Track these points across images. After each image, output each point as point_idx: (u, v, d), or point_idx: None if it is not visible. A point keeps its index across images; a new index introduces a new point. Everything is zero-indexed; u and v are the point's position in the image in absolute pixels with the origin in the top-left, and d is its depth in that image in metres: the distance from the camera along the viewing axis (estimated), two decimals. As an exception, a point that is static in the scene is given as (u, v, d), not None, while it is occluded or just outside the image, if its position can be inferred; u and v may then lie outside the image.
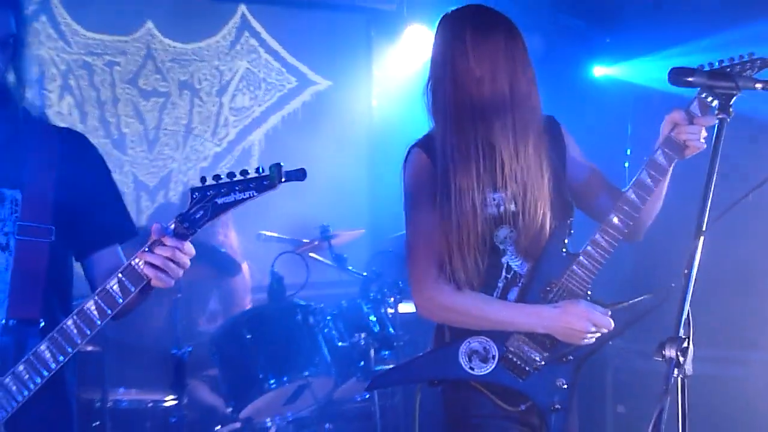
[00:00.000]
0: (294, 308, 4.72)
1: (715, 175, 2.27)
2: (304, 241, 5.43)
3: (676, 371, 2.12)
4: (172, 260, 2.35)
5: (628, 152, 6.14)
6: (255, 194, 2.34)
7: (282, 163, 2.37)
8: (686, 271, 2.19)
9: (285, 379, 4.52)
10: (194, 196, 2.34)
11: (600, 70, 6.46)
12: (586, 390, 5.71)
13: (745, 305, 5.00)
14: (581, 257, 2.85)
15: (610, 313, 2.82)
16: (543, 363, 2.84)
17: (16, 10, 2.51)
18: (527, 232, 2.86)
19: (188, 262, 2.39)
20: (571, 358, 2.86)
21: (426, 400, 2.99)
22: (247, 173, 2.35)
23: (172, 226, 2.35)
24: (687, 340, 2.15)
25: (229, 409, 4.64)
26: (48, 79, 6.27)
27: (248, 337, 4.57)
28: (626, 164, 6.14)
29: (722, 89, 2.36)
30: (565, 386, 2.87)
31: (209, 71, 6.84)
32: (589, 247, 2.85)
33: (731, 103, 2.34)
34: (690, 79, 2.39)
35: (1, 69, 2.48)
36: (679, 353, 2.13)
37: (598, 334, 2.80)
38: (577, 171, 3.06)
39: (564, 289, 2.85)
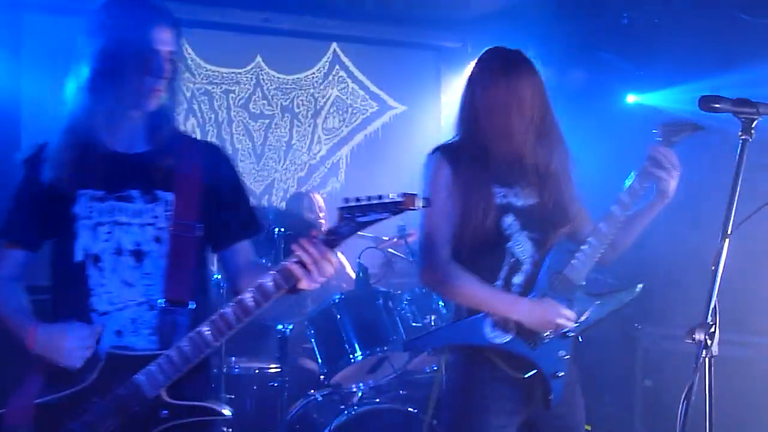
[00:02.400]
0: (376, 294, 4.72)
1: (738, 186, 2.25)
2: (384, 238, 5.44)
3: (704, 352, 2.11)
4: (317, 264, 2.32)
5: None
6: (389, 215, 2.29)
7: (415, 193, 2.29)
8: (713, 268, 2.18)
9: (368, 352, 4.52)
10: (342, 216, 2.31)
11: (632, 98, 6.37)
12: (618, 366, 5.76)
13: (758, 292, 4.91)
14: (580, 253, 2.89)
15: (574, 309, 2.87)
16: (550, 336, 2.85)
17: (177, 30, 2.50)
18: (535, 224, 2.89)
19: (331, 271, 2.34)
20: (571, 334, 2.90)
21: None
22: (382, 197, 2.28)
23: (323, 236, 2.33)
24: (714, 325, 2.13)
25: (322, 377, 4.67)
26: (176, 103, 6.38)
27: (338, 317, 4.59)
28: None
29: (745, 114, 2.33)
30: (566, 357, 2.90)
31: (306, 98, 6.90)
32: (585, 246, 2.88)
33: (753, 126, 2.32)
34: (717, 105, 2.36)
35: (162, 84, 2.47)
36: (707, 337, 2.12)
37: (565, 327, 2.83)
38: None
39: (565, 278, 2.88)
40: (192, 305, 2.48)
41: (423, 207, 2.30)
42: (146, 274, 2.46)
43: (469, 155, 2.88)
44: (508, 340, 2.83)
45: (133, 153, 2.52)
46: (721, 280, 2.20)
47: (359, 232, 2.34)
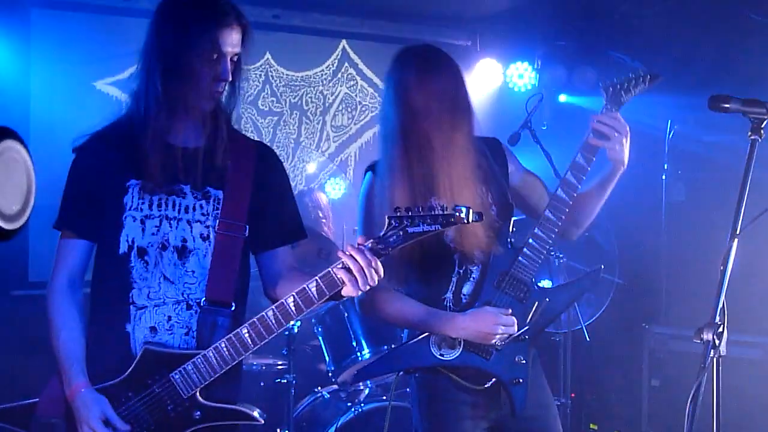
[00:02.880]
0: (383, 291, 4.72)
1: (748, 186, 2.25)
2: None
3: (712, 352, 2.10)
4: (363, 272, 2.29)
5: (665, 167, 6.03)
6: (439, 228, 2.28)
7: (468, 207, 2.28)
8: (722, 268, 2.17)
9: (375, 350, 4.52)
10: (391, 224, 2.29)
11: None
12: (624, 366, 5.75)
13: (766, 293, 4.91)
14: (525, 249, 2.78)
15: (510, 312, 2.75)
16: (503, 343, 2.76)
17: (245, 31, 2.47)
18: (464, 234, 2.74)
19: (376, 280, 2.31)
20: (527, 337, 2.80)
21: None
22: (434, 209, 2.28)
23: (370, 244, 2.30)
24: (722, 325, 2.13)
25: (329, 374, 4.67)
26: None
27: (346, 315, 4.59)
28: (663, 177, 6.02)
29: (755, 114, 2.33)
30: (524, 361, 2.80)
31: (315, 95, 6.89)
32: (530, 240, 2.78)
33: (762, 126, 2.31)
34: (726, 105, 2.36)
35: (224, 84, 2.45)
36: (715, 337, 2.11)
37: (506, 335, 2.72)
38: (516, 180, 2.97)
39: (513, 277, 2.78)
40: (233, 307, 2.46)
41: (474, 221, 2.29)
42: (188, 272, 2.44)
43: (397, 169, 2.74)
44: (456, 355, 2.75)
45: (187, 147, 2.48)
46: (729, 280, 2.19)
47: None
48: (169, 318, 2.42)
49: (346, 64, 7.00)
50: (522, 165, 3.04)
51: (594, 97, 6.19)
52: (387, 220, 2.29)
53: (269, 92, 6.73)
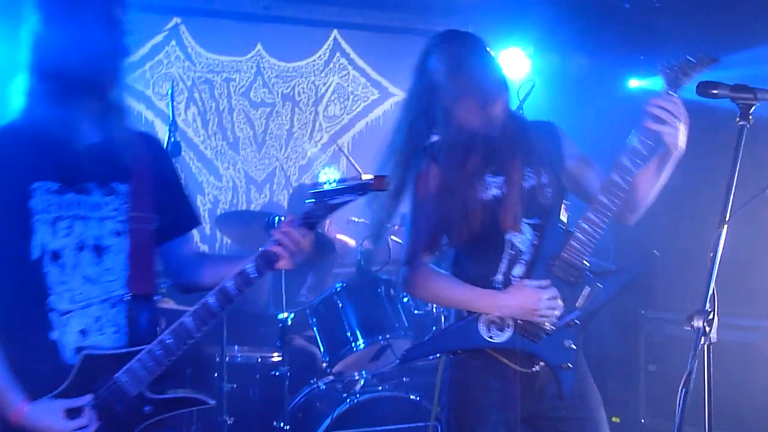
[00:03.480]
0: (378, 282, 4.71)
1: (737, 173, 2.24)
2: (387, 225, 5.40)
3: (702, 339, 2.10)
4: (297, 245, 2.38)
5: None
6: (357, 197, 2.36)
7: (384, 175, 2.38)
8: (711, 254, 2.17)
9: (370, 340, 4.53)
10: (313, 200, 2.38)
11: (635, 83, 6.34)
12: (621, 351, 5.76)
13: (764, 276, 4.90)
14: (577, 232, 2.73)
15: (549, 283, 2.72)
16: (553, 328, 2.73)
17: (125, 9, 2.43)
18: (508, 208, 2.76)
19: (308, 248, 2.41)
20: (577, 322, 2.76)
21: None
22: (347, 180, 2.35)
23: (299, 220, 2.40)
24: (712, 312, 2.12)
25: (324, 365, 4.67)
26: (177, 92, 6.38)
27: (340, 305, 4.59)
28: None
29: (743, 100, 2.32)
30: (573, 347, 2.76)
31: (307, 85, 6.88)
32: (583, 223, 2.72)
33: (750, 111, 2.30)
34: (715, 91, 2.35)
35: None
36: (705, 324, 2.11)
37: (555, 310, 2.70)
38: (570, 163, 2.94)
39: (564, 261, 2.74)
40: (157, 297, 2.46)
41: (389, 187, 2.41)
42: (107, 270, 2.38)
43: (454, 149, 2.78)
44: (507, 337, 2.73)
45: (87, 144, 2.41)
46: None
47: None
48: (98, 318, 2.35)
49: (338, 54, 6.98)
50: (577, 148, 2.99)
51: (587, 85, 6.19)
52: (310, 195, 2.40)
53: (261, 83, 6.71)
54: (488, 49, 2.90)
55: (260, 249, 2.40)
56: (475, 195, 2.75)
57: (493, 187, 2.78)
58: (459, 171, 2.76)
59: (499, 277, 2.78)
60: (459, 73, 2.79)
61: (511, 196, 2.75)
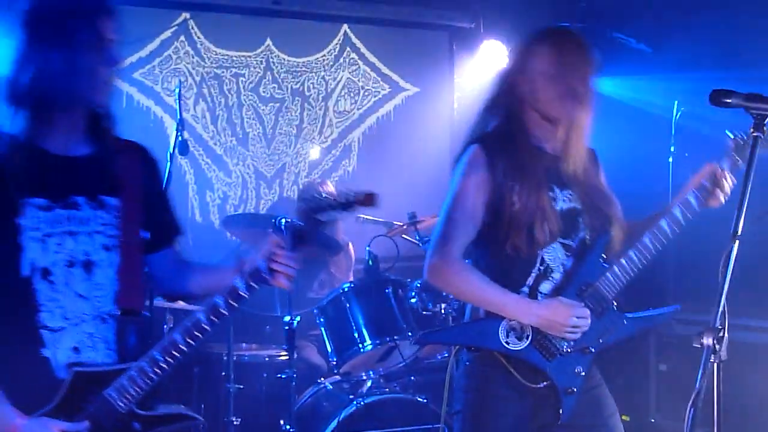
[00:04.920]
0: (386, 282, 4.68)
1: (750, 185, 2.19)
2: (396, 223, 5.37)
3: (712, 357, 2.05)
4: (288, 263, 2.34)
5: (672, 149, 5.95)
6: (347, 213, 2.35)
7: (373, 193, 2.35)
8: (722, 270, 2.11)
9: (378, 341, 4.51)
10: (302, 214, 2.35)
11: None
12: (632, 352, 5.71)
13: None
14: (616, 267, 2.76)
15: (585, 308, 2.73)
16: (569, 351, 2.73)
17: (116, 17, 2.39)
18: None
19: (297, 267, 2.36)
20: (592, 350, 2.77)
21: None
22: (339, 197, 2.33)
23: (290, 236, 2.36)
24: (722, 329, 2.07)
25: (332, 365, 4.65)
26: (186, 88, 6.34)
27: (348, 306, 4.57)
28: (670, 159, 5.94)
29: (757, 109, 2.26)
30: (582, 374, 2.76)
31: (317, 80, 6.82)
32: (623, 260, 2.76)
33: (765, 122, 2.25)
34: (728, 100, 2.29)
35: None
36: (715, 341, 2.06)
37: (580, 329, 2.70)
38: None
39: (596, 290, 2.75)
40: (146, 313, 2.43)
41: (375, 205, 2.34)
42: (97, 285, 2.35)
43: (516, 149, 2.78)
44: (522, 347, 2.71)
45: (74, 156, 2.38)
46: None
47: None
48: (91, 335, 2.33)
49: (348, 49, 6.91)
50: (604, 178, 3.03)
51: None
52: (298, 210, 2.37)
53: (270, 79, 6.66)
54: None
55: (252, 265, 2.35)
56: (543, 204, 2.74)
57: (560, 201, 2.79)
58: (522, 176, 2.74)
59: (525, 289, 2.77)
60: (577, 77, 2.78)
61: (555, 212, 2.76)
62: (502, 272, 2.77)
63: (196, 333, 2.33)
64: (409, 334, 4.54)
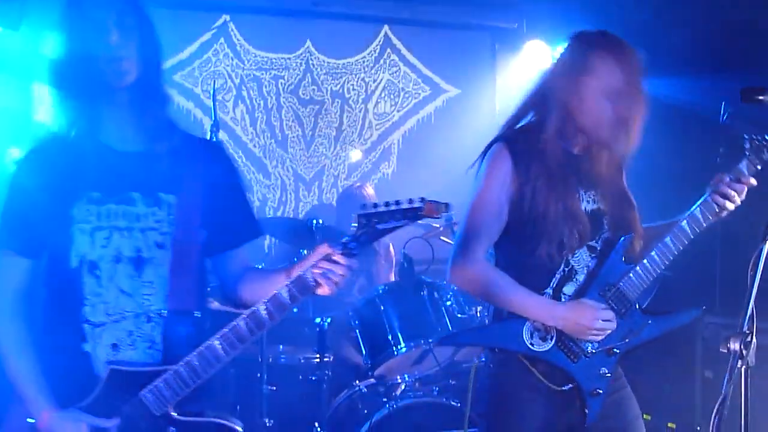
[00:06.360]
0: (421, 285, 4.65)
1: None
2: (434, 225, 5.34)
3: (739, 363, 2.01)
4: (335, 273, 2.29)
5: (720, 150, 5.83)
6: (408, 222, 2.23)
7: (438, 201, 2.22)
8: (751, 272, 2.06)
9: (412, 344, 4.47)
10: (360, 222, 2.26)
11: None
12: (678, 358, 5.61)
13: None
14: (638, 268, 2.76)
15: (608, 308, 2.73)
16: (594, 352, 2.72)
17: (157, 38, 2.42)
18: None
19: (348, 276, 2.31)
20: (617, 351, 2.76)
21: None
22: (401, 203, 2.21)
23: (342, 246, 2.30)
24: (750, 334, 2.03)
25: (367, 368, 4.64)
26: (225, 90, 6.40)
27: (382, 308, 4.55)
28: (717, 160, 5.83)
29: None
30: (608, 375, 2.75)
31: (357, 82, 6.83)
32: (646, 261, 2.76)
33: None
34: (761, 97, 2.26)
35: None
36: (743, 347, 2.02)
37: (606, 331, 2.69)
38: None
39: (619, 291, 2.75)
40: (197, 314, 2.41)
41: (445, 213, 2.22)
42: (146, 283, 2.36)
43: (544, 152, 2.75)
44: (547, 348, 2.70)
45: (132, 152, 2.41)
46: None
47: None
48: (131, 333, 2.34)
49: (389, 50, 6.91)
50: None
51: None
52: (356, 218, 2.27)
53: (310, 80, 6.68)
54: None
55: (298, 274, 2.30)
56: (575, 211, 2.73)
57: (584, 202, 2.78)
58: (550, 181, 2.72)
59: (549, 291, 2.76)
60: (634, 109, 2.74)
61: (585, 218, 2.75)
62: (526, 273, 2.75)
63: (234, 340, 2.29)
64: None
